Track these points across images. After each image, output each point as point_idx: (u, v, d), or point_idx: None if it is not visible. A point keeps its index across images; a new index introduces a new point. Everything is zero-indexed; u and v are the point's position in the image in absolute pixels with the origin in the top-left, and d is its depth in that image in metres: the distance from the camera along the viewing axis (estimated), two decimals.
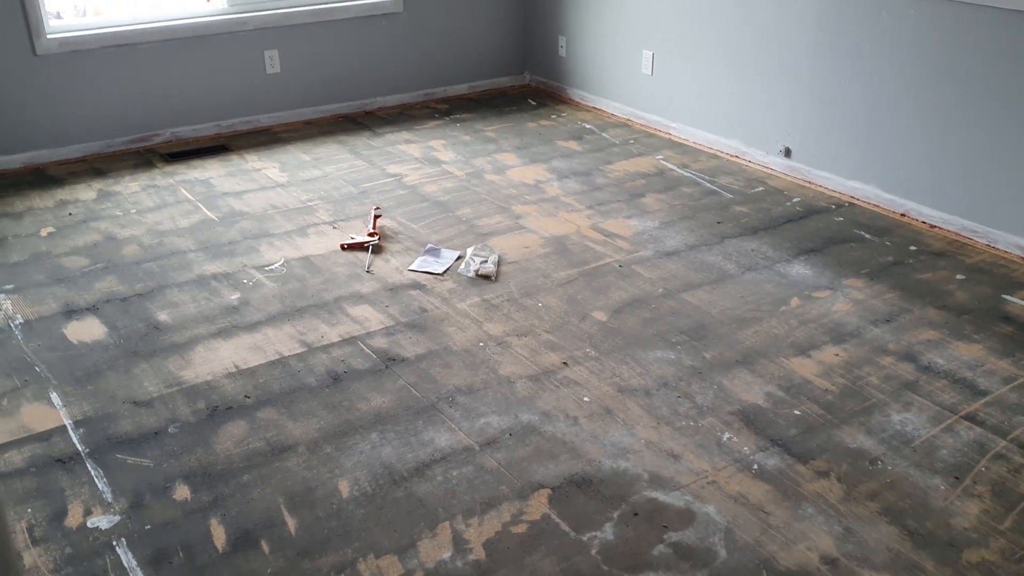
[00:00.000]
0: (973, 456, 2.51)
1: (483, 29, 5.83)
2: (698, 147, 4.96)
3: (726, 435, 2.61)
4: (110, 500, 2.37)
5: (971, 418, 2.67)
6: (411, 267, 3.60)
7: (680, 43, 4.94)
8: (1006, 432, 2.60)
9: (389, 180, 4.54)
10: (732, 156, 4.80)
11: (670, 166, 4.71)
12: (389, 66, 5.58)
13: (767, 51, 4.46)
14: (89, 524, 2.28)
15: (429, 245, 3.76)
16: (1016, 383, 2.84)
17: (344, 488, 2.39)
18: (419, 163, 4.77)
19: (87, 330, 3.20)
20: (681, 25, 4.89)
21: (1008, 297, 3.36)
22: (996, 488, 2.39)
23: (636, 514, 2.30)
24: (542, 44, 5.93)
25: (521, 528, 2.25)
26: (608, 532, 2.24)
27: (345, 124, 5.38)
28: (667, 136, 5.15)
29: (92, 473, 2.47)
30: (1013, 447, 2.54)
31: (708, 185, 4.45)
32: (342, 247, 3.76)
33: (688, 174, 4.60)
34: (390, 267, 3.63)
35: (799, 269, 3.59)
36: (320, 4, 5.25)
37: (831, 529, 2.25)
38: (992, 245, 3.76)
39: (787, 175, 4.53)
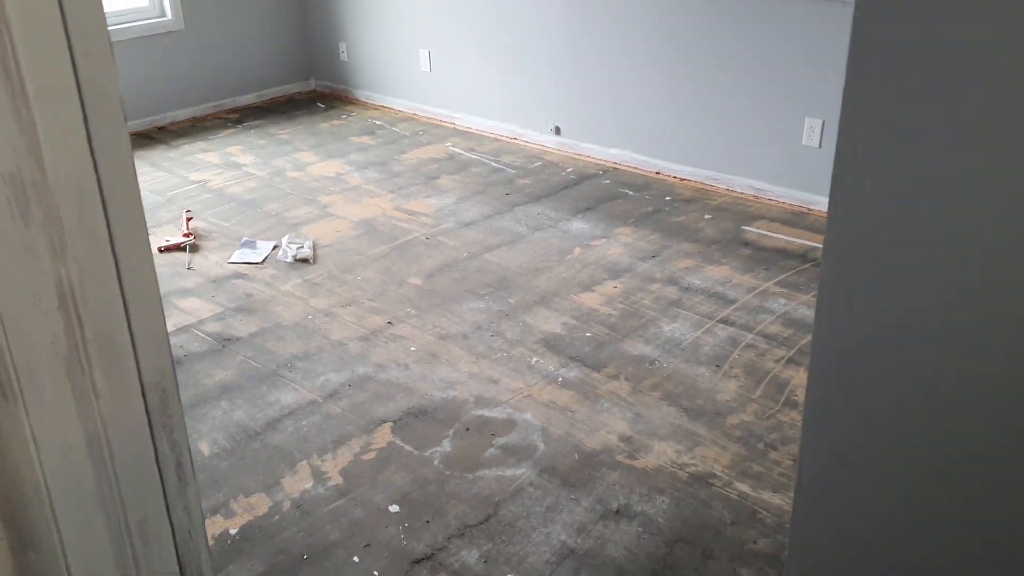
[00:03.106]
0: (728, 348, 3.12)
1: (265, 40, 6.04)
2: (481, 133, 5.45)
3: (534, 359, 3.07)
4: None
5: (725, 321, 3.29)
6: (230, 260, 3.82)
7: (453, 40, 5.40)
8: (752, 327, 3.24)
9: (193, 186, 4.70)
10: (511, 138, 5.33)
11: (458, 151, 5.17)
12: (176, 81, 5.67)
13: (528, 41, 5.01)
14: None
15: (244, 239, 3.99)
16: (756, 291, 3.50)
17: (205, 448, 2.63)
18: (220, 168, 4.94)
19: None
20: (452, 24, 5.36)
21: (746, 227, 4.08)
22: (748, 369, 3.00)
23: (467, 429, 2.71)
24: (324, 51, 6.21)
25: (371, 455, 2.60)
26: (446, 446, 2.63)
27: (140, 140, 5.43)
28: (452, 126, 5.61)
29: None
30: (759, 338, 3.17)
31: (494, 164, 4.95)
32: (159, 250, 3.91)
33: (475, 156, 5.07)
34: (210, 262, 3.84)
35: (578, 225, 4.15)
36: None
37: (624, 416, 2.76)
38: (731, 189, 4.49)
39: (559, 150, 5.11)
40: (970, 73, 1.07)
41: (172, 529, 0.75)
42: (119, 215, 0.59)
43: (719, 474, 2.49)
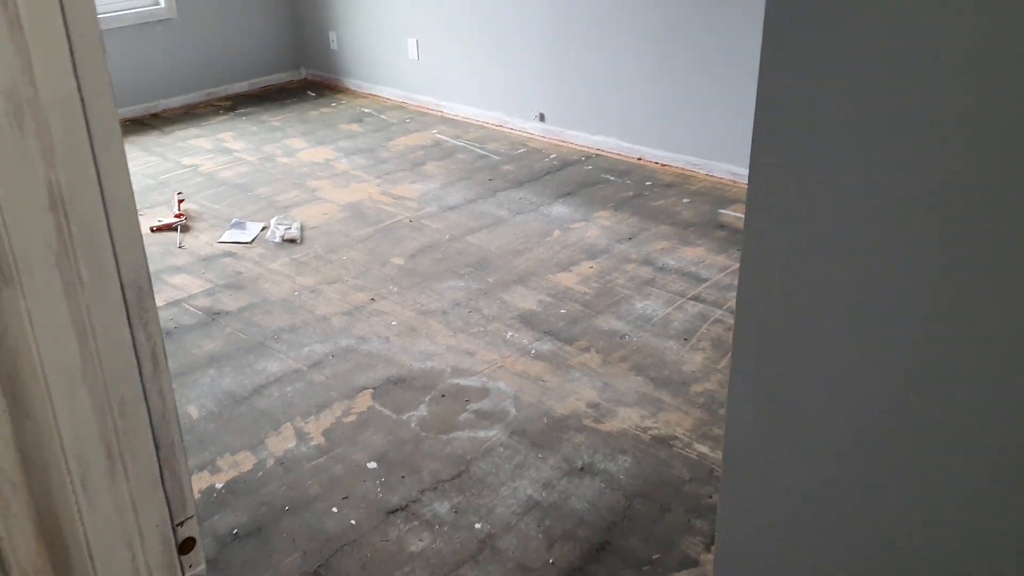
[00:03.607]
0: (697, 323, 3.26)
1: (256, 29, 6.16)
2: (467, 121, 5.58)
3: (509, 333, 3.20)
4: None
5: (695, 298, 3.43)
6: (220, 239, 3.95)
7: (441, 29, 5.53)
8: (721, 304, 3.38)
9: (185, 171, 4.82)
10: (497, 126, 5.45)
11: (444, 138, 5.30)
12: (170, 69, 5.79)
13: (515, 31, 5.14)
14: None
15: (234, 220, 4.11)
16: (728, 270, 3.64)
17: (193, 411, 2.76)
18: (211, 154, 5.07)
19: None
20: (440, 13, 5.49)
21: (723, 211, 4.21)
22: (714, 342, 3.13)
23: (443, 396, 2.84)
24: (314, 40, 6.34)
25: (351, 418, 2.73)
26: (423, 410, 2.77)
27: (133, 127, 5.55)
28: (439, 114, 5.73)
29: None
30: (727, 314, 3.31)
31: (479, 151, 5.08)
32: (151, 230, 4.04)
33: (461, 143, 5.20)
34: (200, 242, 3.96)
35: (559, 209, 4.28)
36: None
37: (593, 385, 2.89)
38: (711, 174, 4.62)
39: (544, 137, 5.24)
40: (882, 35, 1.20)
41: (148, 410, 0.87)
42: (99, 129, 0.72)
43: (680, 437, 2.63)
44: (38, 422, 0.79)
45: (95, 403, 0.79)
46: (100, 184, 0.72)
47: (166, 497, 0.88)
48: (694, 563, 2.15)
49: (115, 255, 0.76)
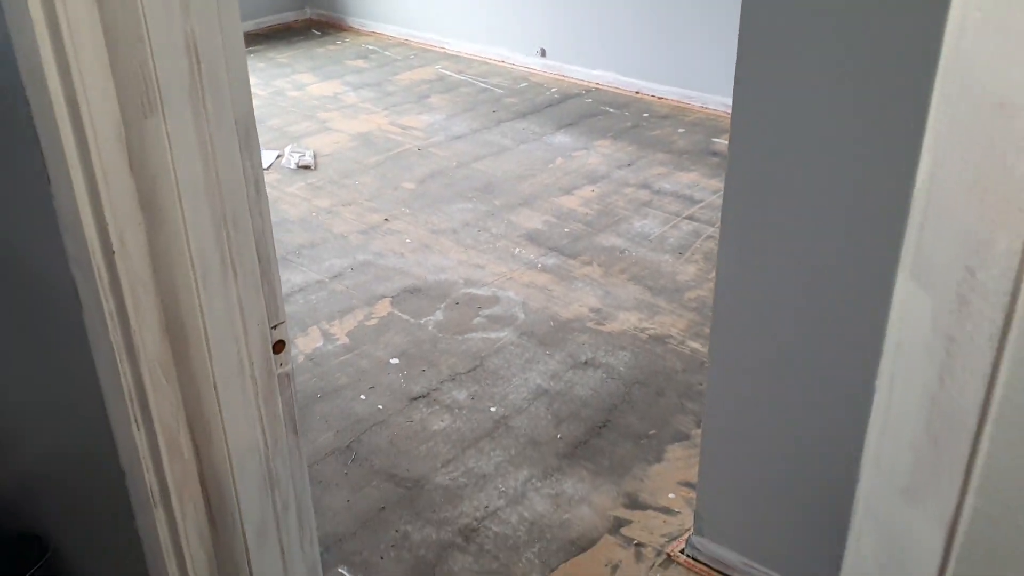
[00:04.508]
0: (691, 239, 3.47)
1: None
2: (470, 57, 5.73)
3: (517, 249, 3.42)
4: None
5: (690, 218, 3.64)
6: None
7: None
8: (714, 222, 3.59)
9: None
10: (499, 61, 5.61)
11: (448, 73, 5.46)
12: None
13: None
14: None
15: None
16: (720, 193, 3.83)
17: None
18: None
19: None
20: None
21: (716, 139, 4.40)
22: (706, 256, 3.35)
23: (457, 303, 3.07)
24: None
25: (373, 322, 2.96)
26: (439, 315, 2.99)
27: None
28: (442, 50, 5.88)
29: None
30: (719, 231, 3.52)
31: (482, 85, 5.24)
32: None
33: (464, 78, 5.36)
34: None
35: (560, 138, 4.47)
36: None
37: (595, 293, 3.12)
38: (705, 106, 4.80)
39: (545, 72, 5.40)
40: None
41: (252, 227, 1.09)
42: None
43: (674, 335, 2.86)
44: (169, 231, 1.00)
45: (213, 215, 1.00)
46: (221, 34, 0.93)
47: (264, 302, 1.09)
48: (685, 436, 2.40)
49: (231, 95, 0.97)
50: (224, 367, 1.09)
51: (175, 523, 1.19)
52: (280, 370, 1.15)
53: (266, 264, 1.09)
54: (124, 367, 1.08)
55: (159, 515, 1.19)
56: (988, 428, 0.48)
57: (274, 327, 1.11)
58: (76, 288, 1.10)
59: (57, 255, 1.12)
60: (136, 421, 1.12)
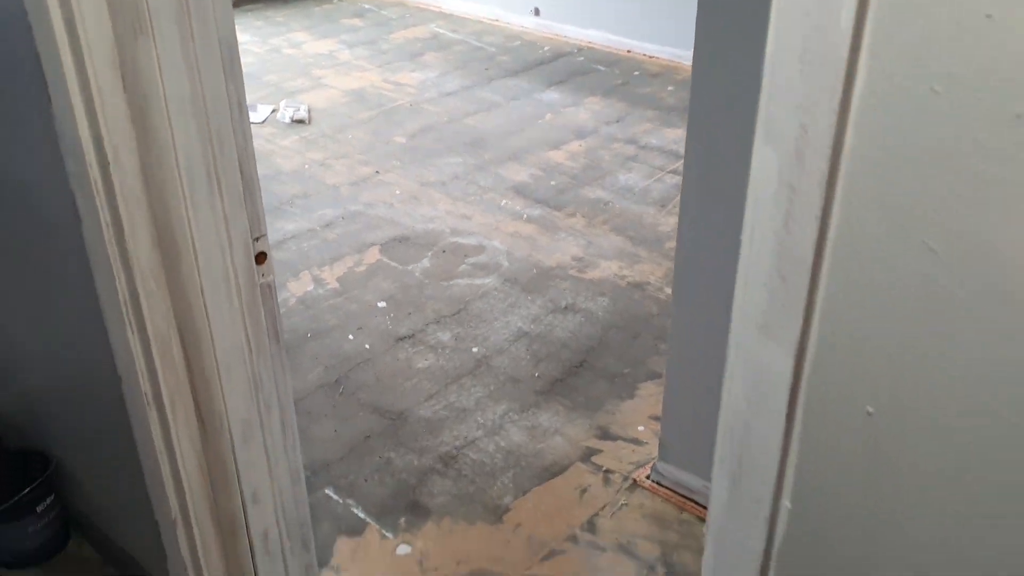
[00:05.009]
0: (674, 193, 3.57)
1: None
2: (464, 16, 5.78)
3: (503, 201, 3.52)
4: None
5: (674, 172, 3.73)
6: None
7: None
8: None
9: None
10: (493, 21, 5.66)
11: (442, 31, 5.52)
12: None
13: None
14: None
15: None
16: None
17: None
18: None
19: None
20: None
21: None
22: None
23: (444, 251, 3.17)
24: None
25: (362, 269, 3.07)
26: (426, 263, 3.10)
27: None
28: (438, 10, 5.93)
29: None
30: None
31: (475, 44, 5.30)
32: None
33: (458, 37, 5.42)
34: None
35: (551, 95, 4.54)
36: None
37: (578, 242, 3.22)
38: None
39: (538, 31, 5.46)
40: None
41: (235, 144, 1.19)
42: None
43: (653, 283, 2.97)
44: (160, 146, 1.10)
45: (200, 132, 1.10)
46: None
47: (247, 216, 1.20)
48: (658, 375, 2.51)
49: (216, 21, 1.06)
50: (211, 275, 1.20)
51: (167, 423, 1.31)
52: (262, 280, 1.25)
53: (248, 180, 1.19)
54: (119, 275, 1.19)
55: (152, 416, 1.30)
56: (825, 264, 0.58)
57: (256, 239, 1.22)
58: (75, 204, 1.20)
59: (58, 175, 1.22)
60: (131, 326, 1.22)
